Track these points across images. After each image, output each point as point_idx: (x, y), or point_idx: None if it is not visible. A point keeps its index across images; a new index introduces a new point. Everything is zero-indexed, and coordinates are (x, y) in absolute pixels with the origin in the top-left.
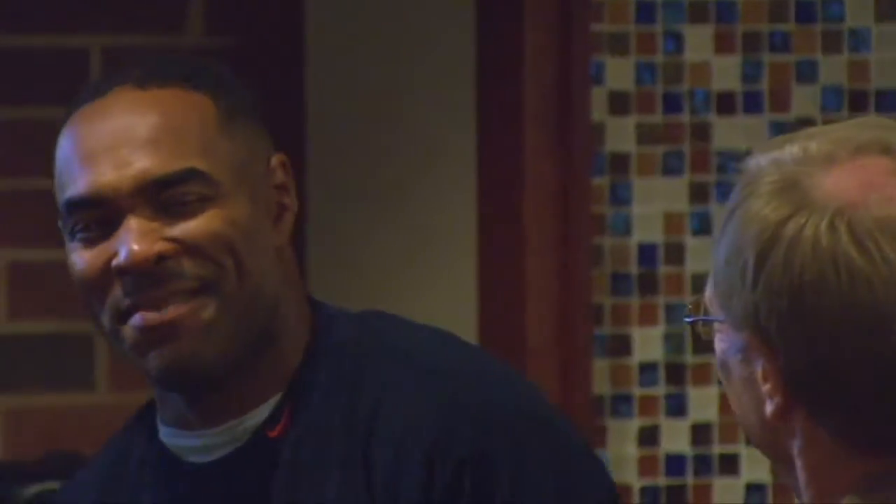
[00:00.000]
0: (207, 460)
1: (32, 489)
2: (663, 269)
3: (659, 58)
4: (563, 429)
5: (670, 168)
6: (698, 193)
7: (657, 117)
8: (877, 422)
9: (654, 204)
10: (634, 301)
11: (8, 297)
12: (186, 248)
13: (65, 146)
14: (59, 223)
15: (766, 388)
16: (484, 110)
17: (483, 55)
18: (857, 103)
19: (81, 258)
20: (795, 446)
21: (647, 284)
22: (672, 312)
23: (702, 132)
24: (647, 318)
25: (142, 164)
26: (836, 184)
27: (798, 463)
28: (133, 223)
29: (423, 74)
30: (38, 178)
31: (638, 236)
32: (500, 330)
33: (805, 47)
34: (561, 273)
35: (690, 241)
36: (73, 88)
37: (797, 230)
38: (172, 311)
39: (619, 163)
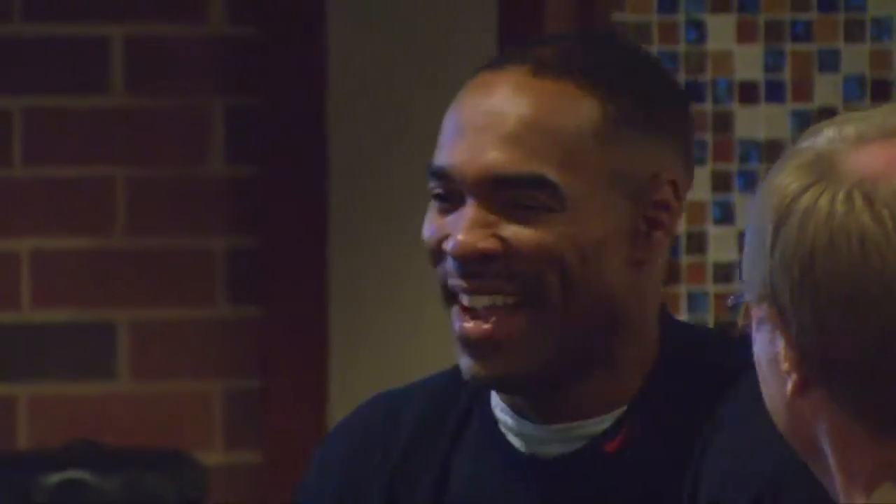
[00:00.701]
0: (537, 452)
1: (55, 477)
2: (685, 259)
3: (681, 47)
4: None
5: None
6: (720, 183)
7: None
8: (891, 402)
9: None
10: None
11: (30, 285)
12: (513, 252)
13: (451, 108)
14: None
15: (784, 365)
16: None
17: (505, 45)
18: (880, 92)
19: (429, 223)
20: (820, 430)
21: (670, 274)
22: (694, 301)
23: (724, 121)
24: (670, 307)
25: (493, 156)
26: (863, 159)
27: (826, 448)
28: (470, 211)
29: (445, 65)
30: (60, 167)
31: None
32: None
33: (827, 36)
34: None
35: (712, 231)
36: (94, 77)
37: (813, 199)
38: (490, 324)
39: None
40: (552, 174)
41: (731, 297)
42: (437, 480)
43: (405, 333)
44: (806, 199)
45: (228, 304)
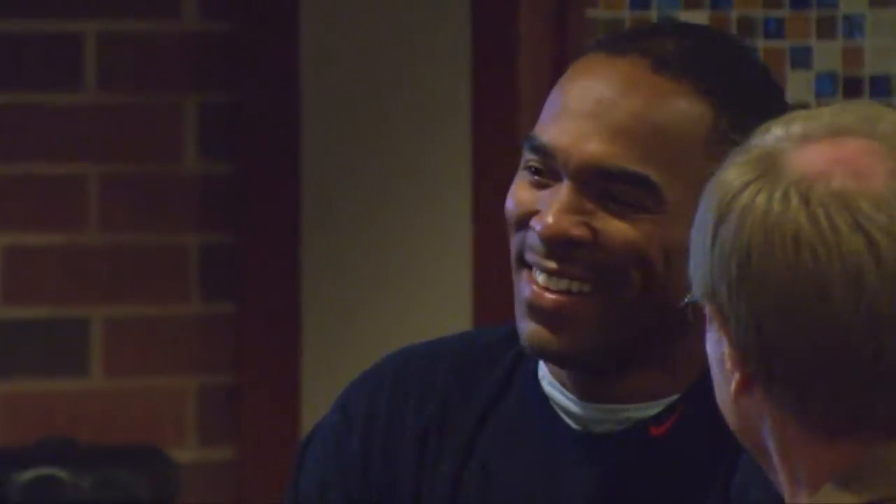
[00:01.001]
0: (580, 428)
1: (27, 475)
2: None
3: None
4: None
5: None
6: None
7: None
8: (829, 401)
9: None
10: None
11: (2, 282)
12: (602, 245)
13: (562, 82)
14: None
15: (727, 364)
16: (479, 97)
17: (478, 41)
18: (852, 89)
19: (518, 193)
20: (765, 430)
21: None
22: None
23: None
24: None
25: (599, 147)
26: (806, 157)
27: (770, 446)
28: (565, 193)
29: (419, 62)
30: (33, 163)
31: None
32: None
33: (799, 33)
34: None
35: None
36: (67, 74)
37: (752, 197)
38: (561, 299)
39: None
40: (656, 176)
41: (686, 296)
42: (466, 445)
43: (378, 330)
44: (745, 197)
45: (202, 301)
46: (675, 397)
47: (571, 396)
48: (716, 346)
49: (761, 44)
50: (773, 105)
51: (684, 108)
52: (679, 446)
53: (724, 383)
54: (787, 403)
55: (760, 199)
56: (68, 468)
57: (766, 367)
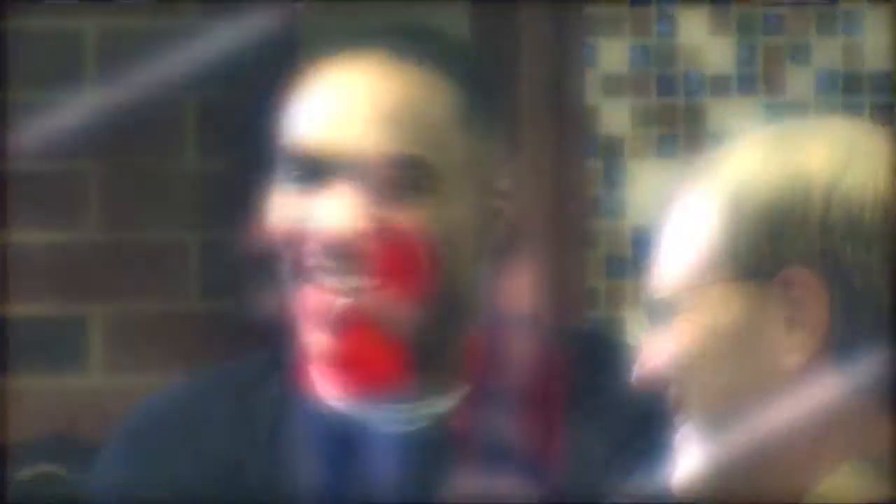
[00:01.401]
0: (378, 432)
1: (27, 472)
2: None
3: (653, 40)
4: None
5: (664, 151)
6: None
7: (651, 100)
8: None
9: (648, 187)
10: (629, 284)
11: (2, 279)
12: (385, 231)
13: (308, 89)
14: (276, 162)
15: (794, 337)
16: None
17: (478, 37)
18: (851, 86)
19: (281, 207)
20: (809, 403)
21: (642, 267)
22: None
23: (695, 115)
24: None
25: (369, 137)
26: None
27: (810, 421)
28: (344, 191)
29: None
30: (33, 161)
31: (632, 219)
32: None
33: (799, 30)
34: (555, 256)
35: None
36: (68, 70)
37: (862, 165)
38: (350, 303)
39: (613, 145)
40: (429, 156)
41: (663, 290)
42: (266, 469)
43: None
44: (859, 163)
45: (202, 299)
46: (466, 388)
47: (363, 403)
48: (750, 327)
49: (760, 40)
50: (494, 88)
51: (434, 91)
52: (478, 435)
53: (755, 363)
54: (863, 376)
55: (872, 164)
56: (68, 465)
57: (867, 331)
